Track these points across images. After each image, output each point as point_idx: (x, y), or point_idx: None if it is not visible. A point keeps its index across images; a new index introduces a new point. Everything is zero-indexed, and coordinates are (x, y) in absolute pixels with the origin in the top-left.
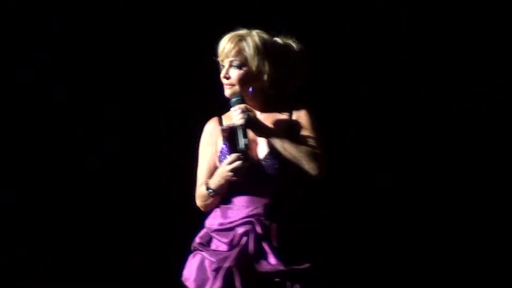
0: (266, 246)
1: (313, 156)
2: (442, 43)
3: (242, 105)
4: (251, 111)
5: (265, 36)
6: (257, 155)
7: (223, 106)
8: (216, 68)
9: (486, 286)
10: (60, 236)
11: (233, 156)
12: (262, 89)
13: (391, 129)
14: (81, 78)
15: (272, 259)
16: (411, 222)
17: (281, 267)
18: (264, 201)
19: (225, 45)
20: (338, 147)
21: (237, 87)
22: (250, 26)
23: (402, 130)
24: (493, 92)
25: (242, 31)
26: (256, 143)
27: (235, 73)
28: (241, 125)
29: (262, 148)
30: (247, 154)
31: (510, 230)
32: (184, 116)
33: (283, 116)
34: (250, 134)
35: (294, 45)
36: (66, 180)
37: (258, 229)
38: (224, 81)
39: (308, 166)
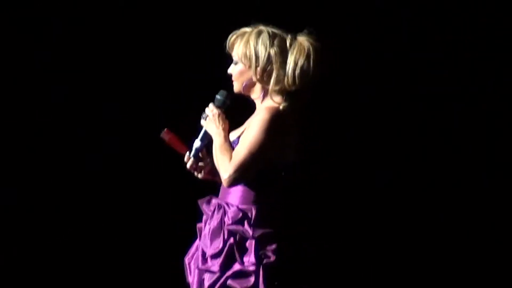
0: (204, 246)
1: (224, 164)
2: (442, 43)
3: (210, 107)
4: (219, 111)
5: (264, 33)
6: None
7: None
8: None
9: (486, 286)
10: (59, 236)
11: (186, 155)
12: (252, 85)
13: (391, 129)
14: (81, 78)
15: (200, 256)
16: (411, 222)
17: (215, 269)
18: (222, 197)
19: (227, 41)
20: (338, 147)
21: (236, 84)
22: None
23: (402, 130)
24: (492, 92)
25: (248, 28)
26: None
27: (233, 69)
28: (202, 126)
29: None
30: (197, 156)
31: (510, 230)
32: (184, 116)
33: (254, 116)
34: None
35: (305, 41)
36: (66, 180)
37: (203, 227)
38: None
39: (219, 173)
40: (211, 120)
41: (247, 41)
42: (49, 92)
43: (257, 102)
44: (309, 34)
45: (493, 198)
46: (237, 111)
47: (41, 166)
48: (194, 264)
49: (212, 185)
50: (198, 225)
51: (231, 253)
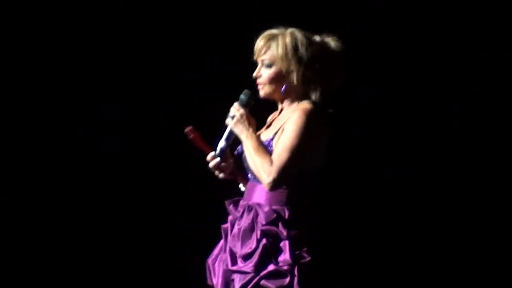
0: (228, 244)
1: (265, 167)
2: (442, 42)
3: (236, 104)
4: (244, 111)
5: (298, 35)
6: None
7: (221, 105)
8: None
9: (486, 286)
10: (59, 236)
11: (210, 155)
12: (292, 89)
13: (395, 128)
14: (81, 78)
15: (229, 257)
16: (415, 221)
17: (232, 267)
18: (249, 198)
19: (258, 43)
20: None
21: (267, 87)
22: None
23: (406, 129)
24: (492, 92)
25: (277, 30)
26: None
27: (265, 73)
28: (227, 127)
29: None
30: (222, 157)
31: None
32: (183, 116)
33: (285, 117)
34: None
35: (332, 43)
36: (66, 180)
37: (229, 228)
38: (257, 80)
39: (259, 176)
40: (239, 121)
41: (285, 44)
42: (49, 92)
43: (285, 104)
44: (332, 35)
45: (493, 198)
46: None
47: (41, 166)
48: (219, 265)
49: (211, 186)
50: (223, 226)
51: (265, 254)
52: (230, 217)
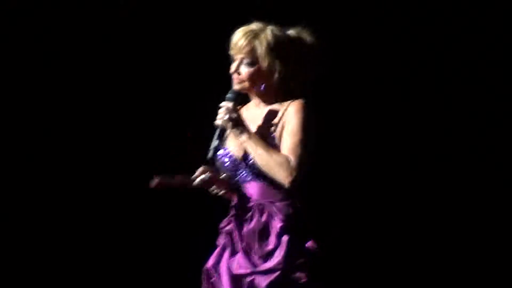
0: (239, 247)
1: (284, 165)
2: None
3: (229, 105)
4: (237, 112)
5: (278, 33)
6: (240, 153)
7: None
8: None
9: (486, 286)
10: (59, 236)
11: (200, 169)
12: (272, 86)
13: (391, 128)
14: (81, 78)
15: (242, 260)
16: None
17: (248, 270)
18: (243, 200)
19: (238, 40)
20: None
21: (246, 84)
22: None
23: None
24: (492, 91)
25: (256, 26)
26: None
27: (245, 70)
28: (219, 126)
29: (241, 150)
30: (213, 164)
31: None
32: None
33: (279, 112)
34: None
35: (308, 38)
36: (65, 180)
37: (234, 230)
38: (235, 75)
39: (279, 175)
40: (237, 121)
41: (268, 43)
42: (48, 92)
43: (263, 100)
44: (305, 29)
45: (493, 198)
46: None
47: (41, 166)
48: (225, 271)
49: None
50: (225, 229)
51: (289, 248)
52: (230, 223)
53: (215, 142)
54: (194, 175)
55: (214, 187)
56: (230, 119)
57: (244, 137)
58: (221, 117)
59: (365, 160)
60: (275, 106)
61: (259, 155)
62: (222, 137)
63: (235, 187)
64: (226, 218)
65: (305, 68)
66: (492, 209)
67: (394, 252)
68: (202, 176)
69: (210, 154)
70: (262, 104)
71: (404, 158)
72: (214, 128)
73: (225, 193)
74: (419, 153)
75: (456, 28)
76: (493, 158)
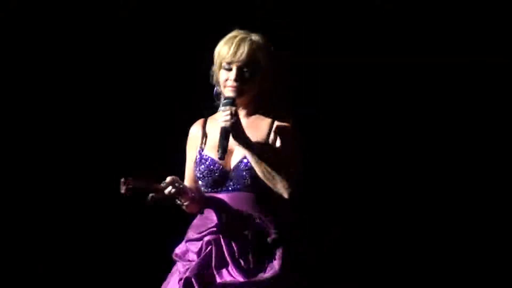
0: (228, 257)
1: (285, 175)
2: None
3: (233, 108)
4: (237, 116)
5: (268, 42)
6: (229, 163)
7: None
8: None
9: (486, 286)
10: (59, 236)
11: (168, 179)
12: (262, 95)
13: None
14: (81, 78)
15: (233, 270)
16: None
17: (241, 279)
18: (233, 210)
19: (237, 49)
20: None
21: (245, 92)
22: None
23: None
24: (492, 91)
25: (246, 34)
26: (231, 151)
27: (246, 78)
28: (225, 128)
29: (235, 157)
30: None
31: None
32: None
33: (265, 124)
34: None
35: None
36: (65, 180)
37: (222, 239)
38: (231, 83)
39: (279, 185)
40: (238, 127)
41: (268, 53)
42: (48, 92)
43: (246, 109)
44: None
45: (493, 198)
46: None
47: (41, 166)
48: (209, 281)
49: None
50: (206, 239)
51: (285, 254)
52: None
53: (224, 142)
54: (164, 184)
55: (180, 197)
56: (235, 123)
57: (245, 145)
58: (228, 119)
59: (364, 160)
60: (261, 116)
61: (262, 165)
62: (228, 138)
63: (201, 200)
64: (198, 233)
65: (281, 75)
66: (492, 209)
67: (394, 252)
68: (169, 188)
69: (219, 154)
70: (248, 114)
71: (404, 158)
72: (221, 130)
73: (188, 205)
74: (419, 153)
75: (456, 28)
76: (493, 158)
